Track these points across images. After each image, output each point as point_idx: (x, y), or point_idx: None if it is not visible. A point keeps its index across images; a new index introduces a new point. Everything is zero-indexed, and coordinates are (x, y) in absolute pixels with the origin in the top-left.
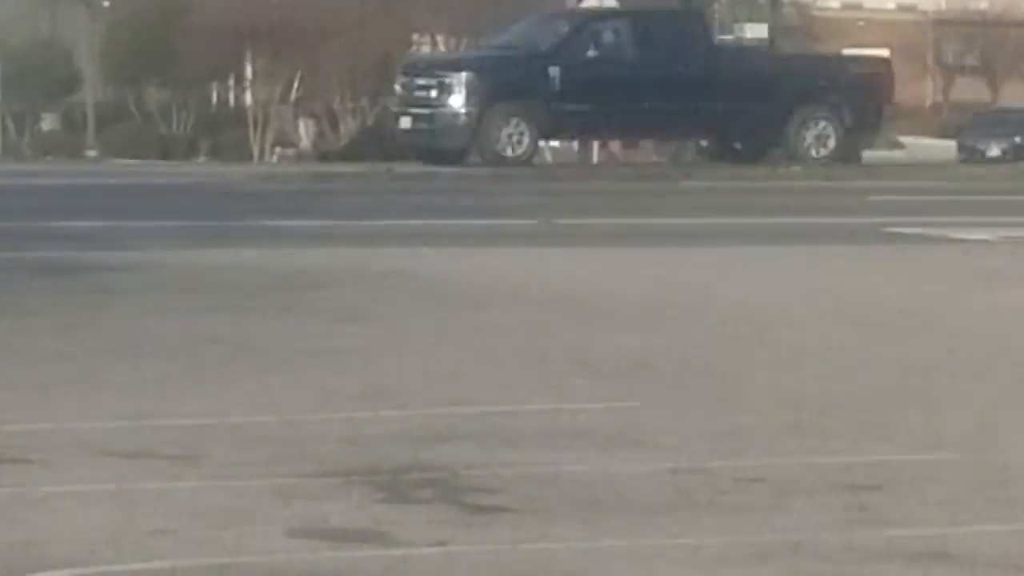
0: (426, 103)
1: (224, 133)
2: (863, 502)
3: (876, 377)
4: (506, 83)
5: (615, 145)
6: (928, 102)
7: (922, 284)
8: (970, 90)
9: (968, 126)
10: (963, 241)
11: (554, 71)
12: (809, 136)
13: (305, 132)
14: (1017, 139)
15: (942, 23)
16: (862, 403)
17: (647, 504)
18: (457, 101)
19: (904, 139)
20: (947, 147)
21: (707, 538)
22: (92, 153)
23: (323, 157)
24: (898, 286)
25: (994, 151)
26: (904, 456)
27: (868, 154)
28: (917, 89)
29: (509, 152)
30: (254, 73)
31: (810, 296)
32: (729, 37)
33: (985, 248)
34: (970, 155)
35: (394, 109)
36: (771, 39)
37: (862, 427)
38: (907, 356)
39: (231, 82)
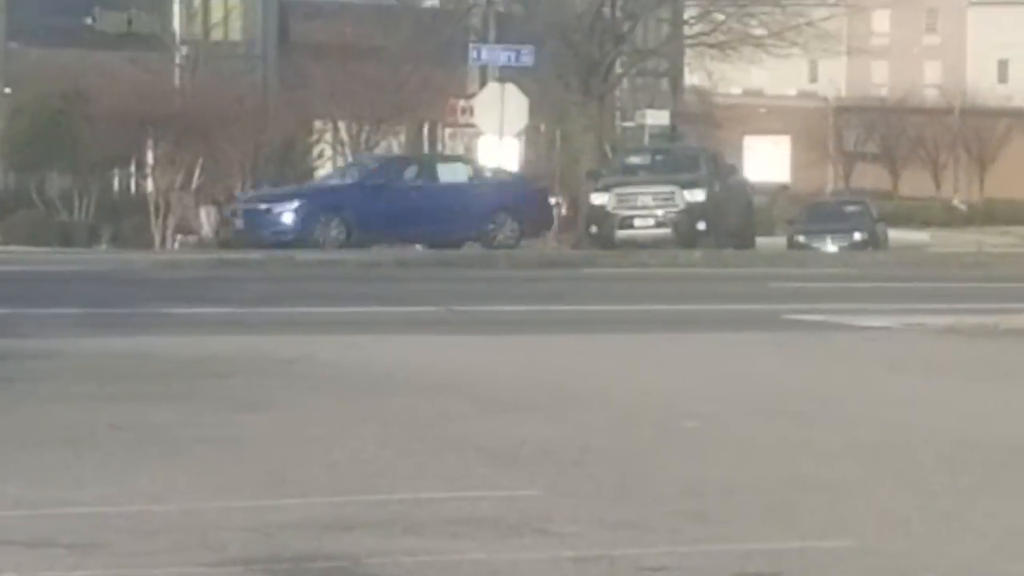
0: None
1: (126, 220)
2: None
3: (779, 464)
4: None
5: None
6: (829, 188)
7: (825, 371)
8: (870, 176)
9: (799, 220)
10: (865, 328)
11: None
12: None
13: (206, 219)
14: (857, 235)
15: (843, 109)
16: (764, 490)
17: None
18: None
19: None
20: None
21: None
22: None
23: (224, 244)
24: (801, 373)
25: (830, 248)
26: (804, 543)
27: (764, 240)
28: (818, 175)
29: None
30: (155, 160)
31: (713, 383)
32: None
33: (888, 335)
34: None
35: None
36: (672, 126)
37: (764, 514)
38: (810, 443)
39: (132, 169)
